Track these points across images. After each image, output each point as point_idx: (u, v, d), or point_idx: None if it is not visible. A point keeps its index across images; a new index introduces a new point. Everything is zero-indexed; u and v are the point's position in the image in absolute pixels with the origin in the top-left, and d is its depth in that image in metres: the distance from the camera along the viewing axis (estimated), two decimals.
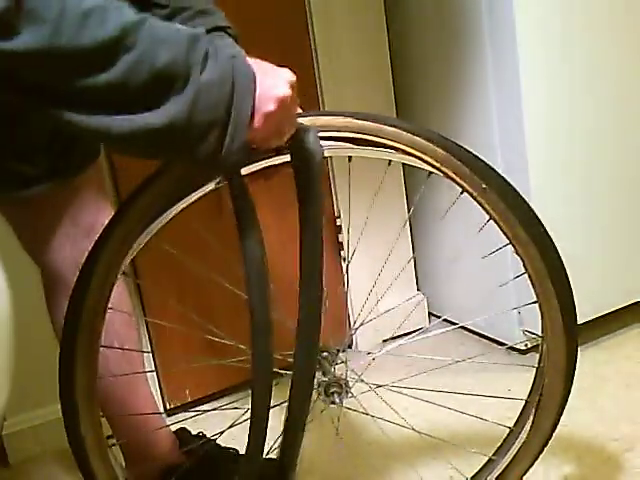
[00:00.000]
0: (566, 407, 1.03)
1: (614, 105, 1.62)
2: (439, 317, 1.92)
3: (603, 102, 1.60)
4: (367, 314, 1.24)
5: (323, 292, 0.89)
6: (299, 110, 0.88)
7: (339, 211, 1.84)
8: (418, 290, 1.98)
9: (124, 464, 1.23)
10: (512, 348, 1.72)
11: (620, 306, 1.71)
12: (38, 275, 1.22)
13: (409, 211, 1.92)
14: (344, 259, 1.86)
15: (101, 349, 0.97)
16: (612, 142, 1.63)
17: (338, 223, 1.84)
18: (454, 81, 1.72)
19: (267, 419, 0.91)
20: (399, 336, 1.66)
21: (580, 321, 1.62)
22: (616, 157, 1.64)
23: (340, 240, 1.85)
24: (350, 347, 1.88)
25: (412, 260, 1.95)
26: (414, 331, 1.70)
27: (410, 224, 1.93)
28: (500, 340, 1.75)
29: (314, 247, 0.88)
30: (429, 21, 1.76)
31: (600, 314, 1.68)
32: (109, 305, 0.96)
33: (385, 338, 1.83)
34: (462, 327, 1.87)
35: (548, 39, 1.52)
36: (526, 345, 1.69)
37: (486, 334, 1.81)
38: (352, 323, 1.82)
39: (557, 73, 1.55)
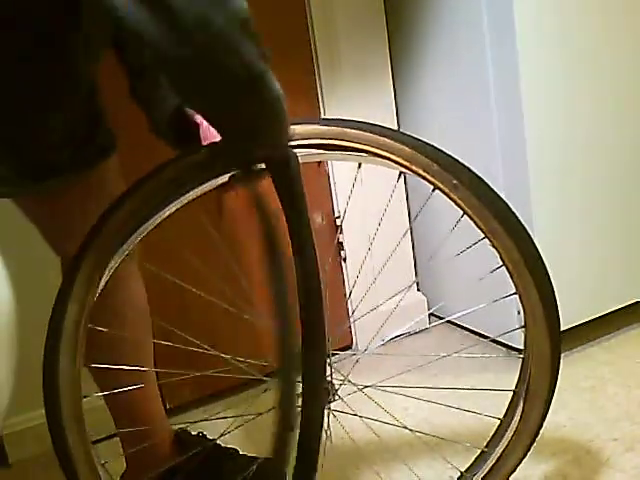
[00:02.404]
0: (566, 407, 1.03)
1: (613, 108, 1.62)
2: (438, 317, 1.92)
3: (603, 103, 1.60)
4: (354, 310, 1.24)
5: (322, 297, 0.90)
6: None
7: (339, 211, 1.84)
8: (418, 290, 1.98)
9: (125, 464, 1.23)
10: (510, 347, 1.72)
11: (620, 306, 1.71)
12: (40, 274, 1.22)
13: (408, 208, 1.93)
14: (344, 259, 1.86)
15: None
16: (610, 144, 1.63)
17: (338, 223, 1.84)
18: (454, 82, 1.72)
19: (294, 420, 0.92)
20: (398, 336, 1.66)
21: (580, 321, 1.65)
22: (615, 157, 1.64)
23: (340, 240, 1.85)
24: (350, 347, 1.89)
25: (412, 259, 1.95)
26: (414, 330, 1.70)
27: (410, 223, 1.93)
28: (500, 340, 1.75)
29: (305, 258, 0.90)
30: (429, 21, 1.76)
31: (600, 314, 1.68)
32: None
33: (385, 338, 1.83)
34: (462, 327, 1.88)
35: (548, 41, 1.52)
36: None
37: (486, 334, 1.81)
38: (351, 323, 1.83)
39: (557, 77, 1.55)
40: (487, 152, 1.62)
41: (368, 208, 1.76)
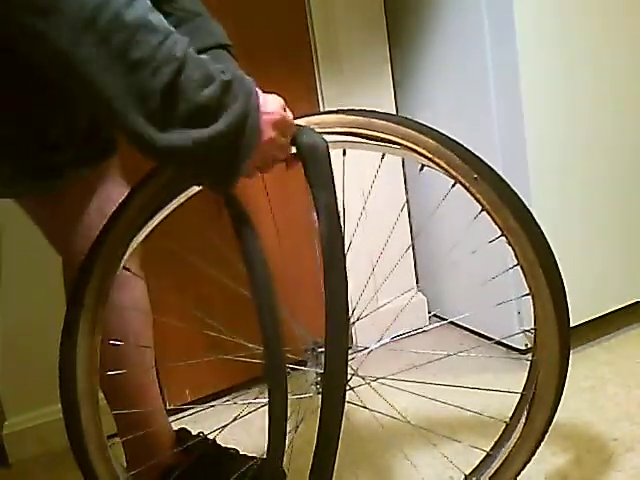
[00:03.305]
0: (566, 407, 1.03)
1: (613, 108, 1.62)
2: (437, 316, 1.92)
3: (603, 103, 1.60)
4: (363, 308, 1.25)
5: (347, 281, 0.91)
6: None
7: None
8: (418, 290, 1.98)
9: (125, 463, 1.23)
10: (509, 346, 1.72)
11: (620, 306, 1.71)
12: (40, 275, 1.22)
13: (408, 209, 1.93)
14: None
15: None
16: (610, 144, 1.63)
17: None
18: (454, 82, 1.72)
19: (286, 417, 0.93)
20: (398, 335, 1.66)
21: (580, 321, 1.64)
22: (615, 157, 1.64)
23: None
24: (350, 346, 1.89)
25: (412, 259, 1.95)
26: (414, 330, 1.71)
27: (410, 223, 1.93)
28: (500, 340, 1.75)
29: (333, 238, 0.91)
30: (429, 22, 1.76)
31: (600, 314, 1.68)
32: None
33: (384, 336, 1.83)
34: (462, 327, 1.88)
35: (548, 41, 1.52)
36: (526, 345, 1.69)
37: (486, 333, 1.82)
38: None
39: (557, 75, 1.55)
40: (487, 152, 1.61)
41: (368, 206, 1.75)
